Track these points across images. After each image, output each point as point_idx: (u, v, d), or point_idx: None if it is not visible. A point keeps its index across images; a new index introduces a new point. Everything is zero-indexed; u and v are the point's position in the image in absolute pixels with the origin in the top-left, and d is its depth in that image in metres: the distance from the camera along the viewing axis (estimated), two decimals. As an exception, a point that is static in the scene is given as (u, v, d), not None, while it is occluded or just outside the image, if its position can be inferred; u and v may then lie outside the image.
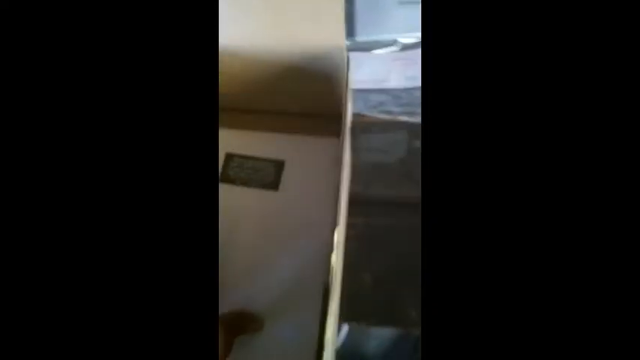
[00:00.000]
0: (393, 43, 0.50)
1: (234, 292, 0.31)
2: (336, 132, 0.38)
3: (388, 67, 0.49)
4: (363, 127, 0.46)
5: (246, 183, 0.36)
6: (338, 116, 0.38)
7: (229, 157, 0.37)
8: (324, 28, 0.29)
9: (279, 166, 0.36)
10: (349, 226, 0.38)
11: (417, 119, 0.47)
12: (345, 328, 0.38)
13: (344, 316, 0.36)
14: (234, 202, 0.35)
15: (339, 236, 0.27)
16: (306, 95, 0.36)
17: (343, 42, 0.30)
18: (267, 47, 0.32)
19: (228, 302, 0.31)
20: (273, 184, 0.36)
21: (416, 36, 0.49)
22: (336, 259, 0.23)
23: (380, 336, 0.41)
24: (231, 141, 0.38)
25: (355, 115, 0.46)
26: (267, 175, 0.36)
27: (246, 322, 0.31)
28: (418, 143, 0.46)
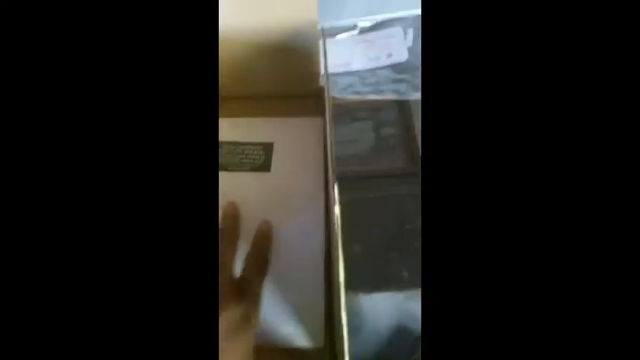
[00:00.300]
0: (353, 27, 0.52)
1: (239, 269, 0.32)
2: (319, 111, 0.40)
3: (351, 51, 0.52)
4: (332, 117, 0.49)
5: (238, 168, 0.37)
6: (317, 94, 0.40)
7: (218, 145, 0.38)
8: (295, 4, 0.30)
9: (268, 148, 0.38)
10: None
11: (384, 96, 0.50)
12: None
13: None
14: (231, 187, 0.37)
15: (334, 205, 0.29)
16: (283, 74, 0.37)
17: (315, 16, 0.31)
18: (240, 29, 0.32)
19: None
20: (265, 166, 0.37)
21: (373, 19, 0.53)
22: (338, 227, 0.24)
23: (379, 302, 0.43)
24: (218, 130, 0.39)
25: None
26: (258, 158, 0.38)
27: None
28: (385, 131, 0.49)
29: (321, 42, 0.34)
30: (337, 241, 0.23)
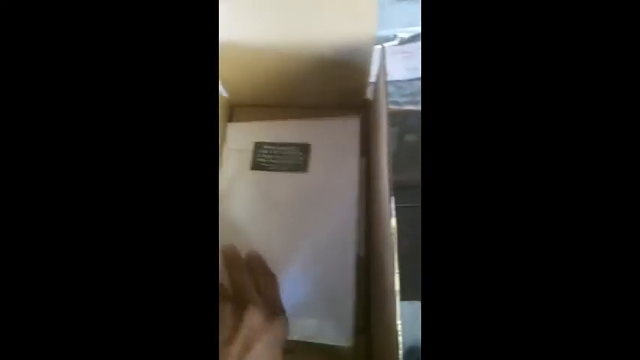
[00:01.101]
0: (393, 37, 0.53)
1: (276, 265, 0.32)
2: (357, 111, 0.40)
3: (390, 61, 0.52)
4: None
5: (277, 168, 0.39)
6: (362, 105, 0.40)
7: (259, 145, 0.40)
8: (357, 21, 0.29)
9: (305, 149, 0.39)
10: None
11: (420, 107, 0.50)
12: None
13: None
14: (269, 186, 0.38)
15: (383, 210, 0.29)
16: (335, 88, 0.38)
17: (375, 33, 0.31)
18: (299, 42, 0.33)
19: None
20: (302, 167, 0.38)
21: (413, 30, 0.53)
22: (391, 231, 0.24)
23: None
24: (259, 132, 0.40)
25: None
26: (295, 159, 0.39)
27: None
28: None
29: (377, 51, 0.34)
30: (393, 251, 0.23)
